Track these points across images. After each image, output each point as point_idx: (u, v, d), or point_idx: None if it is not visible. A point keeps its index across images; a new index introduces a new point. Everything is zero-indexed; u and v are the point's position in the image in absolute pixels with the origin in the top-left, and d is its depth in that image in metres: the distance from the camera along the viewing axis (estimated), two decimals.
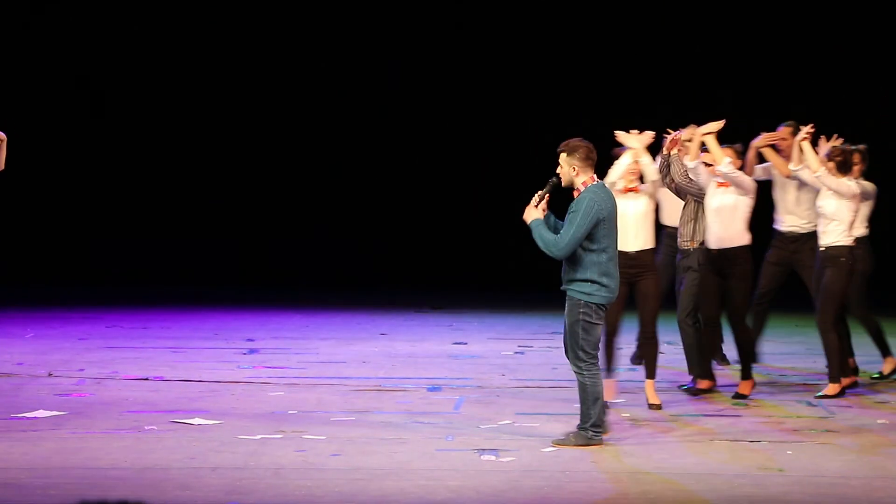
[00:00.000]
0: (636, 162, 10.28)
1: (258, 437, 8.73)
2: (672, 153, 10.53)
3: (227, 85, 19.03)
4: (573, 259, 8.60)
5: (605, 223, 8.59)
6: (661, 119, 19.18)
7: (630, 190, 10.24)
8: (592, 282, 8.56)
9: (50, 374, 11.26)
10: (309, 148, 19.31)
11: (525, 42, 19.24)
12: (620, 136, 10.41)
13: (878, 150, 19.62)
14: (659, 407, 10.02)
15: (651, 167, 10.34)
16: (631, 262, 10.00)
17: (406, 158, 19.33)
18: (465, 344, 13.72)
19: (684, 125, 10.86)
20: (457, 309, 16.79)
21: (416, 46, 19.15)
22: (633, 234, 10.10)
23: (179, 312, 16.32)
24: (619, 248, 8.80)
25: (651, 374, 10.23)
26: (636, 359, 11.60)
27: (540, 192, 8.81)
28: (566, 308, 8.64)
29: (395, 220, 19.54)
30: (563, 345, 8.79)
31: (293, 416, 9.53)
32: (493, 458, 8.23)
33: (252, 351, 13.03)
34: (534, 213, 8.72)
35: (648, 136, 10.36)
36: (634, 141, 10.31)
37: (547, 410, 9.77)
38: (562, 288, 8.69)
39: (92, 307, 16.56)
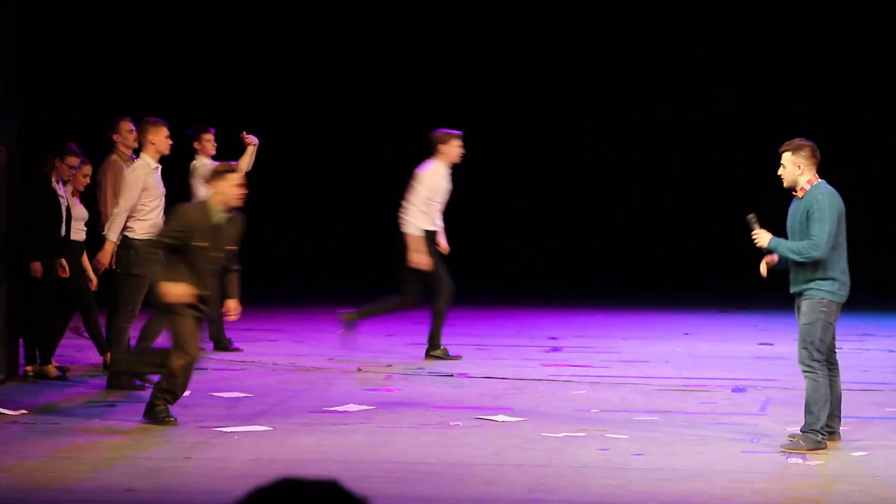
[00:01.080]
0: None
1: (561, 434, 8.73)
2: None
3: (227, 85, 18.99)
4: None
5: (843, 219, 8.46)
6: (661, 119, 19.07)
7: None
8: (835, 279, 8.41)
9: (359, 370, 11.51)
10: (308, 147, 19.22)
11: (525, 42, 19.02)
12: None
13: (876, 147, 18.75)
14: None
15: None
16: None
17: (406, 158, 19.18)
18: (772, 345, 13.51)
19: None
20: (763, 309, 16.53)
21: (416, 46, 19.04)
22: None
23: (482, 310, 16.48)
24: None
25: None
26: None
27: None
28: (803, 309, 8.44)
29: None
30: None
31: (596, 414, 9.53)
32: (800, 461, 8.05)
33: (555, 349, 13.09)
34: (765, 234, 8.54)
35: None
36: None
37: (857, 413, 9.37)
38: (796, 289, 8.48)
39: None
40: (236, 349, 12.35)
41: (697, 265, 19.17)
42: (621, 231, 19.24)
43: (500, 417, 9.32)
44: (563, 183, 19.24)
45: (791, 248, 8.41)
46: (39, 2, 17.93)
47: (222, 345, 12.31)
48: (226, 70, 19.08)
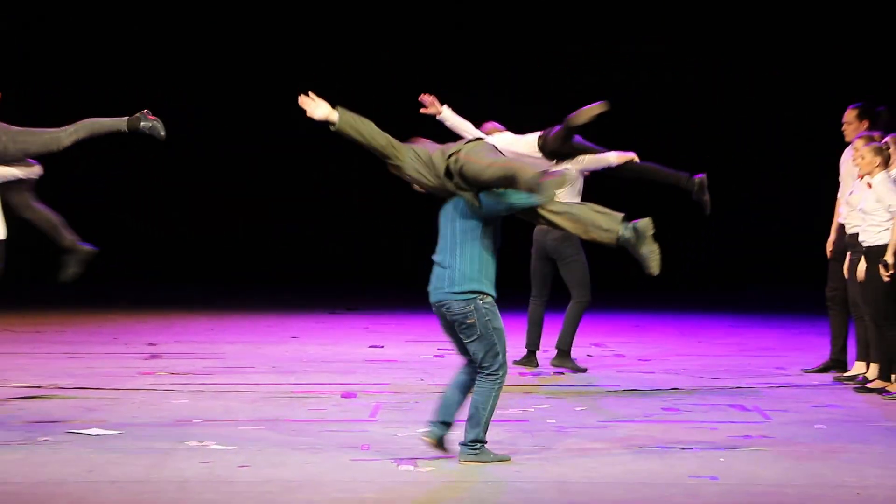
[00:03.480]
0: None
1: (160, 448, 8.66)
2: None
3: (226, 86, 19.58)
4: None
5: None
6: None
7: None
8: None
9: None
10: (307, 147, 19.59)
11: (524, 42, 19.81)
12: None
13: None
14: None
15: None
16: None
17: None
18: (382, 347, 13.78)
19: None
20: (373, 310, 16.81)
21: (415, 46, 19.79)
22: None
23: (73, 315, 16.16)
24: None
25: None
26: None
27: None
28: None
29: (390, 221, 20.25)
30: None
31: (198, 425, 9.48)
32: (411, 468, 8.15)
33: (154, 356, 12.99)
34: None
35: None
36: None
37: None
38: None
39: None
40: None
41: (309, 264, 19.52)
42: (217, 224, 19.49)
43: (93, 431, 9.17)
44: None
45: None
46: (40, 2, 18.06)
47: None
48: (225, 70, 19.40)
